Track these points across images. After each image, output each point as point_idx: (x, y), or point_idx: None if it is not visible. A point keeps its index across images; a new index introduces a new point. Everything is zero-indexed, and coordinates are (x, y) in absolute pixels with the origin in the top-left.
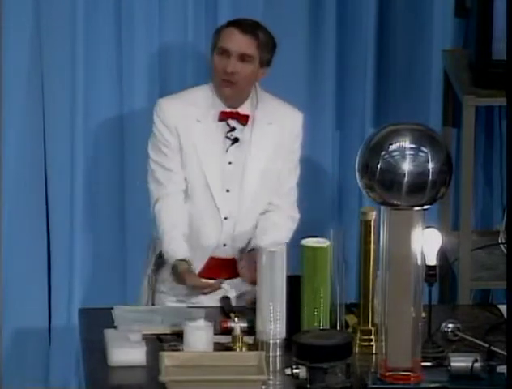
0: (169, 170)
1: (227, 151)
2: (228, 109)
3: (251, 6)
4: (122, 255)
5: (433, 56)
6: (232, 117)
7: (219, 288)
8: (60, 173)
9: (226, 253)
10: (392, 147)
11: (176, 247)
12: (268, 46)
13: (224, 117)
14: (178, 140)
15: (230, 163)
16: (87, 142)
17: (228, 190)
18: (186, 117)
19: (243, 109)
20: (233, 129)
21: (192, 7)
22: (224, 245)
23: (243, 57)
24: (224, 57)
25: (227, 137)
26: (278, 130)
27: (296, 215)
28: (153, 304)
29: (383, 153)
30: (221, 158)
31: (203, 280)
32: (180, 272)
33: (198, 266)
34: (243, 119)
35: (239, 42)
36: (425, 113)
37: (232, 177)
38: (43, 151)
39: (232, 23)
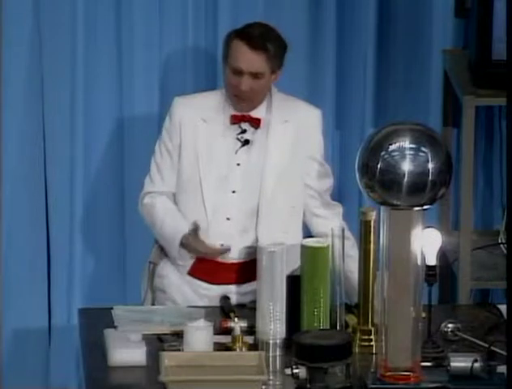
0: (161, 172)
1: (236, 152)
2: (239, 113)
3: (251, 7)
4: (122, 255)
5: (433, 56)
6: (244, 120)
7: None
8: (60, 173)
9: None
10: (392, 147)
11: (177, 225)
12: (279, 53)
13: (235, 120)
14: (180, 138)
15: (238, 164)
16: (87, 142)
17: (234, 191)
18: (192, 117)
19: (255, 113)
20: (244, 131)
21: (192, 10)
22: (222, 245)
23: (255, 75)
24: (236, 75)
25: (237, 139)
26: (294, 127)
27: (339, 208)
28: (153, 299)
29: (383, 153)
30: (228, 159)
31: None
32: (189, 243)
33: (186, 264)
34: (255, 122)
35: (250, 61)
36: (425, 113)
37: (239, 178)
38: (43, 151)
39: (241, 36)
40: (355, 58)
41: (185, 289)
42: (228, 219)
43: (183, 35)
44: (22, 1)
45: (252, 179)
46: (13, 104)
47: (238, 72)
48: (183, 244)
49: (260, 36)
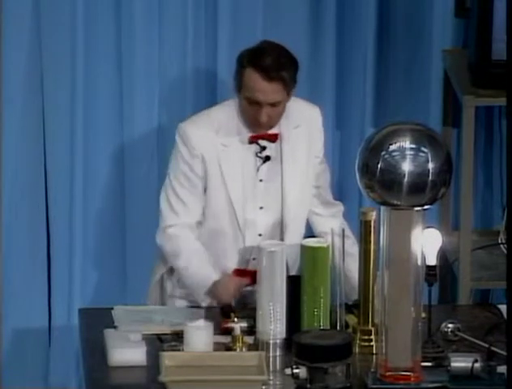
0: (185, 203)
1: (258, 170)
2: (257, 133)
3: (251, 7)
4: (122, 255)
5: (433, 56)
6: (263, 138)
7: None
8: (60, 173)
9: (253, 266)
10: (392, 147)
11: (206, 272)
12: (294, 75)
13: (254, 139)
14: (204, 167)
15: (261, 180)
16: (87, 141)
17: (261, 208)
18: (212, 144)
19: (272, 129)
20: (264, 148)
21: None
22: (254, 259)
23: (273, 104)
24: (253, 105)
25: (258, 156)
26: (305, 131)
27: (339, 207)
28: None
29: (383, 153)
30: (252, 177)
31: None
32: (222, 286)
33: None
34: (273, 137)
35: (267, 93)
36: (425, 113)
37: (264, 194)
38: (43, 151)
39: (254, 66)
40: (355, 58)
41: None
42: (260, 235)
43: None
44: (22, 1)
45: (274, 192)
46: (13, 104)
47: (254, 102)
48: (209, 291)
49: (275, 66)
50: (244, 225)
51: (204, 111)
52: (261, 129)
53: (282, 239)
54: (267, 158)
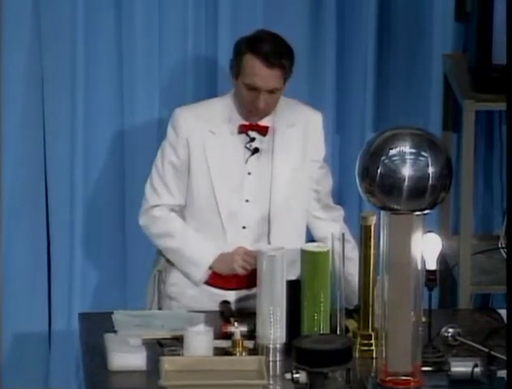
0: (167, 186)
1: (246, 161)
2: (247, 122)
3: (251, 7)
4: (123, 259)
5: (434, 60)
6: (252, 129)
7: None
8: (60, 175)
9: None
10: (392, 152)
11: (204, 251)
12: (292, 64)
13: (243, 129)
14: (188, 152)
15: (249, 173)
16: (88, 142)
17: (247, 200)
18: (199, 129)
19: (263, 121)
20: (253, 139)
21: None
22: None
23: (271, 91)
24: (251, 91)
25: (246, 147)
26: (300, 131)
27: (340, 212)
28: (159, 308)
29: (383, 158)
30: (239, 169)
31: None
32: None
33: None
34: (263, 130)
35: (267, 80)
36: (425, 117)
37: (251, 187)
38: (43, 151)
39: (254, 52)
40: (355, 62)
41: (201, 298)
42: (244, 227)
43: (183, 43)
44: (22, 1)
45: (263, 187)
46: (13, 105)
47: (253, 88)
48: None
49: (274, 52)
50: (227, 216)
51: (204, 101)
52: (256, 116)
53: (268, 234)
54: (256, 150)
